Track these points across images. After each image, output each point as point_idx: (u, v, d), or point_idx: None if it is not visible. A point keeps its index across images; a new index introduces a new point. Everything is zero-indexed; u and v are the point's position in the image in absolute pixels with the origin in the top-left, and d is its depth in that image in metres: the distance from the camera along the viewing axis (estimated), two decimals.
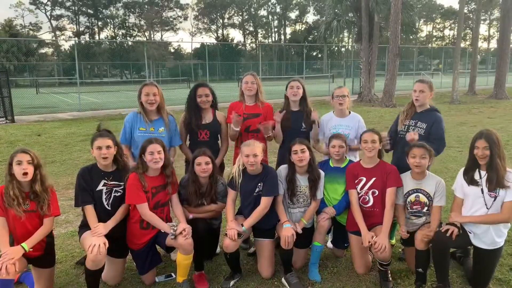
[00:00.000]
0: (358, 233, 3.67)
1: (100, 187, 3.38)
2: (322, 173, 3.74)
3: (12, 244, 3.06)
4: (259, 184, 3.63)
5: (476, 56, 24.65)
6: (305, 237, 3.74)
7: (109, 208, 3.43)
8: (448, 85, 23.41)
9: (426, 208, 3.54)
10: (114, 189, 3.45)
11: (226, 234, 3.45)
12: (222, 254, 3.84)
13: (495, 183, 3.17)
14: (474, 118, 14.24)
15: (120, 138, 3.89)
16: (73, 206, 3.43)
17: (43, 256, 3.29)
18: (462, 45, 55.43)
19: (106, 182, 3.41)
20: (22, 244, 3.01)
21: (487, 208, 3.25)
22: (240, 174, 3.66)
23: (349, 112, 4.26)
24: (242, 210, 3.78)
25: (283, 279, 3.59)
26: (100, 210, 3.37)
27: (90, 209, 3.32)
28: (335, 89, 4.25)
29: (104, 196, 3.40)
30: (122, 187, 3.47)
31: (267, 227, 3.71)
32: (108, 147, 3.33)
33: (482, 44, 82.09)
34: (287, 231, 3.45)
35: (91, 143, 3.39)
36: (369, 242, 3.43)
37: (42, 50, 56.23)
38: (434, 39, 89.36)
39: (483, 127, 3.54)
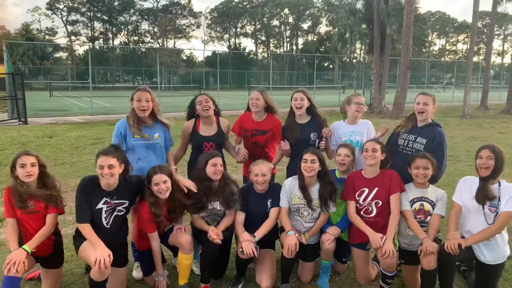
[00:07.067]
0: (360, 245, 3.64)
1: (100, 205, 3.21)
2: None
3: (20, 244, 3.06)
4: (270, 201, 3.66)
5: (488, 71, 24.45)
6: (310, 252, 3.70)
7: (108, 227, 3.27)
8: (461, 99, 23.18)
9: (429, 217, 3.43)
10: (116, 208, 3.28)
11: (241, 250, 3.35)
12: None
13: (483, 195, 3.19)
14: (485, 132, 14.10)
15: (113, 141, 3.63)
16: None
17: (52, 256, 3.31)
18: (476, 59, 55.09)
19: (107, 200, 3.24)
20: (23, 246, 2.96)
21: (487, 223, 3.19)
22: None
23: (359, 119, 4.20)
24: (250, 229, 3.61)
25: None
26: (99, 228, 3.19)
27: (87, 228, 3.13)
28: (353, 96, 4.14)
29: (104, 215, 3.24)
30: (126, 205, 3.32)
31: (267, 236, 3.62)
32: (110, 166, 3.08)
33: (496, 59, 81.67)
34: (291, 239, 3.39)
35: (95, 159, 3.18)
36: (378, 245, 3.30)
37: (57, 54, 57.57)
38: (447, 53, 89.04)
39: (494, 142, 3.52)
